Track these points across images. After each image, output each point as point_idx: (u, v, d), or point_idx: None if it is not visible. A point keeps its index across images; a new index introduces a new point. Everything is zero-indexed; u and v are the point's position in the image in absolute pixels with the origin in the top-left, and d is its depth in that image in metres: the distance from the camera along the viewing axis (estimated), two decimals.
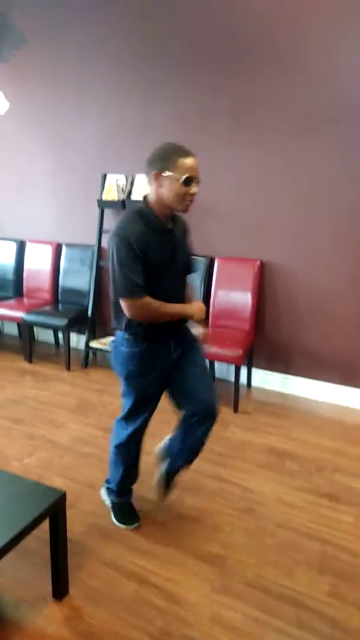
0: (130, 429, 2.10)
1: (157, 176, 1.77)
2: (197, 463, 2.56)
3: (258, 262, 3.48)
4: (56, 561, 1.74)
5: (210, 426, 2.05)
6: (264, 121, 3.33)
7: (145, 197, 1.86)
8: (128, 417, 2.10)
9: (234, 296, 3.58)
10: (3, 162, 4.56)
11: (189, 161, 1.74)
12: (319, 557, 2.02)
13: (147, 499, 2.34)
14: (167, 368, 2.02)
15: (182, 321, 2.02)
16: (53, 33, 4.00)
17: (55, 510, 1.69)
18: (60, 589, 1.77)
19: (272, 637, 1.66)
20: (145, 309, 1.83)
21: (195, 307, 1.98)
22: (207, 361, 2.27)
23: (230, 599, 1.80)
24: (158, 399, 2.10)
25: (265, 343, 3.65)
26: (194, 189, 1.76)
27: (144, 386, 2.02)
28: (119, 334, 1.99)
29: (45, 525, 1.68)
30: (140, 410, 2.08)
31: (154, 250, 1.80)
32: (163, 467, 2.21)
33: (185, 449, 2.13)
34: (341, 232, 3.25)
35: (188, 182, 1.74)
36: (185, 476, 2.51)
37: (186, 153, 1.76)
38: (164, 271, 1.87)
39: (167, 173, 1.74)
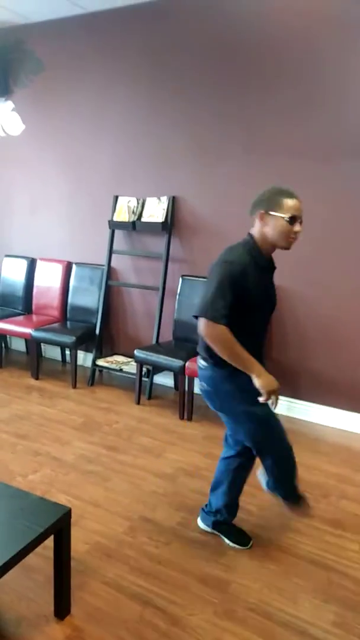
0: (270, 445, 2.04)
1: (263, 216, 1.86)
2: (202, 485, 2.56)
3: None
4: (59, 579, 1.73)
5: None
6: (279, 148, 3.39)
7: (251, 235, 1.93)
8: (259, 440, 2.03)
9: None
10: (17, 183, 4.65)
11: (293, 202, 1.84)
12: (324, 585, 1.99)
13: (152, 521, 2.33)
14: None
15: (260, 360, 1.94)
16: (70, 60, 4.13)
17: (60, 527, 1.68)
18: (62, 608, 1.75)
19: None
20: (219, 335, 1.80)
21: (269, 379, 1.84)
22: None
23: (233, 624, 1.77)
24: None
25: (273, 367, 3.55)
26: (297, 227, 1.84)
27: (253, 396, 1.88)
28: (209, 364, 1.96)
29: (48, 542, 1.67)
30: (267, 420, 1.99)
31: (253, 286, 1.85)
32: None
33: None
34: (351, 260, 3.28)
35: (292, 220, 1.82)
36: (190, 499, 2.50)
37: (291, 194, 1.86)
38: (258, 308, 1.92)
39: (273, 212, 1.84)
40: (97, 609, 1.80)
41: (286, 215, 1.82)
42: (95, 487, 2.59)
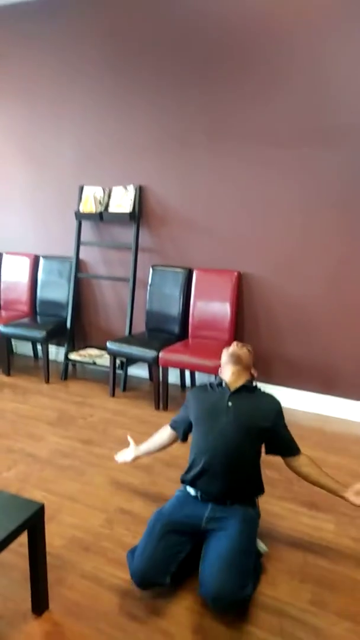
0: None
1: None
2: (176, 473, 2.55)
3: (236, 274, 3.52)
4: (35, 575, 1.70)
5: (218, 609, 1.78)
6: (242, 136, 3.39)
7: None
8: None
9: (213, 307, 3.60)
10: None
11: None
12: (300, 566, 2.02)
13: (129, 512, 2.32)
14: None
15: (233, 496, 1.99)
16: (28, 48, 4.02)
17: (33, 523, 1.65)
18: (40, 604, 1.73)
19: None
20: None
21: None
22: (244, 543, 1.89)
23: (213, 610, 1.78)
24: None
25: None
26: None
27: None
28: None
29: (23, 538, 1.64)
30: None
31: None
32: None
33: None
34: (316, 245, 3.31)
35: None
36: (167, 488, 2.50)
37: None
38: None
39: None
40: (75, 603, 1.79)
41: None
42: (71, 481, 2.56)
